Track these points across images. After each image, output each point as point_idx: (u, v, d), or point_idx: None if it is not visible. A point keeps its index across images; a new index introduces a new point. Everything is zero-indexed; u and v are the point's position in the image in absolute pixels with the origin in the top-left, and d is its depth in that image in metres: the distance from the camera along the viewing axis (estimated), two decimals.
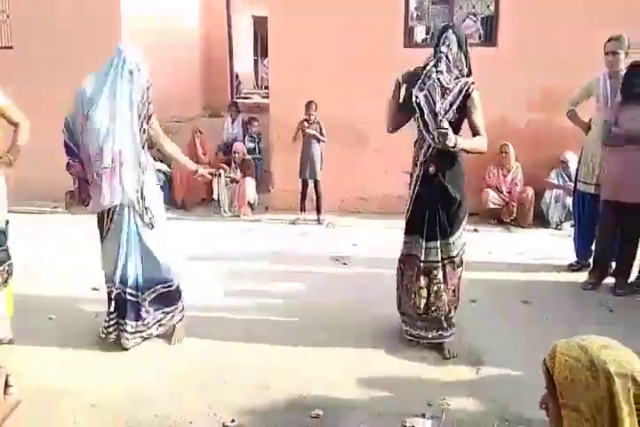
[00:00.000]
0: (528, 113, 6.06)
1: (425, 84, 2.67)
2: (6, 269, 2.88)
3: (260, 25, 11.64)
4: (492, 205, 5.93)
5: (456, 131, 2.74)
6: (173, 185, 6.60)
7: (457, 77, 2.69)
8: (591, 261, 4.07)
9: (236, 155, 6.52)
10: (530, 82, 5.93)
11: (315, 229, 5.70)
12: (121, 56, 2.73)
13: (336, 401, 2.45)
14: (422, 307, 2.88)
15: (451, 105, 2.68)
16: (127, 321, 2.88)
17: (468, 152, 2.79)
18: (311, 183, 5.99)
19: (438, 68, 2.63)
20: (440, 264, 2.86)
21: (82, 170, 2.83)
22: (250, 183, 6.38)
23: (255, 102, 9.70)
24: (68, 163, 2.86)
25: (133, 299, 2.89)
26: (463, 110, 2.71)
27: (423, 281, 2.87)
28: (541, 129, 6.00)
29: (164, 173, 6.66)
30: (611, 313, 3.48)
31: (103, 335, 2.95)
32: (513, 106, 6.09)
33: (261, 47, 12.84)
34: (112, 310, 2.91)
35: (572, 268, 4.25)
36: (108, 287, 2.95)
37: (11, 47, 6.89)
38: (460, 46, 2.66)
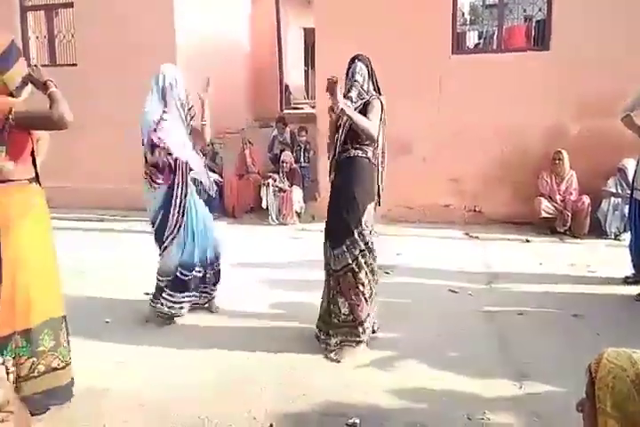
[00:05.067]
0: (583, 118, 5.84)
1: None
2: None
3: (309, 36, 11.83)
4: (544, 215, 5.74)
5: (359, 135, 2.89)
6: (224, 194, 6.81)
7: (363, 98, 2.93)
8: None
9: (284, 164, 6.65)
10: (584, 86, 5.73)
11: None
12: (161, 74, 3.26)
13: (373, 410, 2.45)
14: (327, 313, 3.00)
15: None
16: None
17: (353, 122, 2.82)
18: None
19: (349, 95, 2.91)
20: (339, 273, 2.92)
21: None
22: (297, 192, 6.49)
23: (304, 113, 9.85)
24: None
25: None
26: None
27: (332, 288, 2.98)
28: (597, 135, 5.76)
29: (216, 182, 6.89)
30: None
31: None
32: (567, 111, 5.90)
33: (312, 58, 13.03)
34: None
35: (627, 280, 4.05)
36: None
37: (75, 64, 7.37)
38: (368, 72, 2.94)
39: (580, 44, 5.69)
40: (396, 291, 3.99)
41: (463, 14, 11.19)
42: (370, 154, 2.96)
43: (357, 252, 2.89)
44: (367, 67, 2.94)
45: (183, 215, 3.30)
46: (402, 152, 6.42)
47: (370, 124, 2.84)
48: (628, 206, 4.68)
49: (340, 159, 2.97)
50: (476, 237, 5.67)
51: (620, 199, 5.45)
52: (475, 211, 6.37)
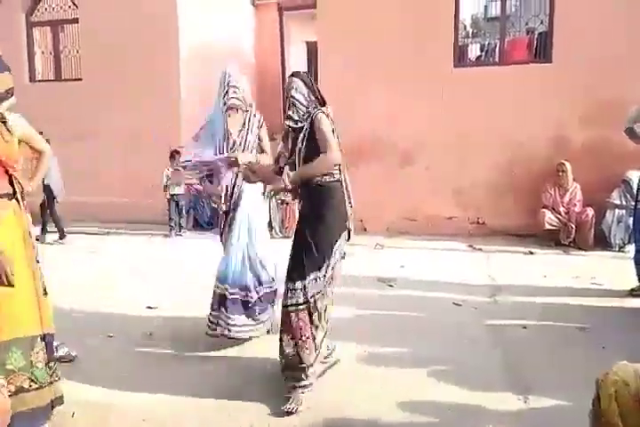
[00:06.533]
0: (586, 130, 5.87)
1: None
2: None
3: (313, 49, 11.95)
4: (548, 227, 5.73)
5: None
6: None
7: (306, 113, 2.71)
8: None
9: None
10: (587, 98, 5.76)
11: (362, 249, 5.69)
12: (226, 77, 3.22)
13: (378, 424, 2.42)
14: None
15: (302, 141, 2.66)
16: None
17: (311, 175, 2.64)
18: None
19: (288, 114, 2.74)
20: (290, 308, 2.62)
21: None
22: None
23: None
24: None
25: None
26: (313, 138, 2.65)
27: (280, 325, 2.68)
28: (601, 146, 5.79)
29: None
30: None
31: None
32: (570, 123, 5.93)
33: (315, 72, 13.14)
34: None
35: (633, 293, 4.02)
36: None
37: (80, 79, 7.47)
38: (307, 86, 2.76)
39: (582, 56, 5.74)
40: (400, 304, 3.97)
41: (465, 27, 11.29)
42: (339, 176, 2.70)
43: (316, 291, 2.61)
44: (304, 81, 2.77)
45: (231, 224, 3.33)
46: (405, 164, 6.45)
47: (323, 162, 2.57)
48: (632, 218, 4.67)
49: (308, 187, 2.66)
50: (480, 250, 5.65)
51: (624, 211, 5.44)
52: (478, 223, 6.36)
